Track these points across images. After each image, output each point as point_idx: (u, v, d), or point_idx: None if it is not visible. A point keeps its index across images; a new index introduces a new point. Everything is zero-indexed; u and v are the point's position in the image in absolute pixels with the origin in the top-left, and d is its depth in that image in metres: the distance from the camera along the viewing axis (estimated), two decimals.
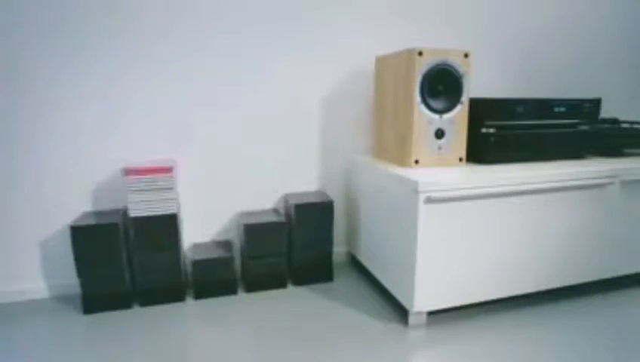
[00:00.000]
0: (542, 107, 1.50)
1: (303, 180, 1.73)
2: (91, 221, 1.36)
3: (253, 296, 1.52)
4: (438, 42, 1.81)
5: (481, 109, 1.45)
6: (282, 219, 1.53)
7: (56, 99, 1.43)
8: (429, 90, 1.36)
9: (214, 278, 1.49)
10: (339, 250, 1.84)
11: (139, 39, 1.46)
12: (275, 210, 1.67)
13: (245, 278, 1.55)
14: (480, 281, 1.32)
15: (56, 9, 1.38)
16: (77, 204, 1.50)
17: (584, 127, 1.57)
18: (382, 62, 1.54)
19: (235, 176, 1.64)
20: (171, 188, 1.39)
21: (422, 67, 1.33)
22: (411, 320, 1.32)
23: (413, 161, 1.39)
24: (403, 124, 1.41)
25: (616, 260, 1.49)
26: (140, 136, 1.52)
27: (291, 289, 1.57)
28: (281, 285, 1.58)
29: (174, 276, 1.45)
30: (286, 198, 1.65)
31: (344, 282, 1.64)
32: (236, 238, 1.68)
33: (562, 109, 1.53)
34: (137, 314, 1.39)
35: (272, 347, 1.21)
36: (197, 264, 1.46)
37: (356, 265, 1.80)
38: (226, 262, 1.49)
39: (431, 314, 1.38)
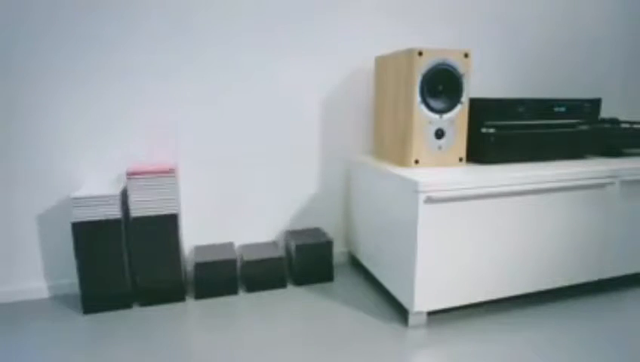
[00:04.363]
0: (542, 107, 1.50)
1: (302, 181, 1.74)
2: (93, 217, 1.36)
3: (253, 296, 1.52)
4: (438, 42, 1.81)
5: (481, 109, 1.45)
6: (280, 254, 1.56)
7: (53, 104, 1.43)
8: (429, 90, 1.36)
9: (216, 279, 1.50)
10: (339, 250, 1.84)
11: (136, 43, 1.47)
12: (274, 244, 1.69)
13: (245, 279, 1.55)
14: (480, 281, 1.32)
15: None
16: None
17: (584, 127, 1.57)
18: (382, 62, 1.54)
19: (234, 175, 1.65)
20: (172, 189, 1.39)
21: (422, 67, 1.33)
22: (411, 320, 1.32)
23: (413, 160, 1.40)
24: (403, 124, 1.41)
25: (616, 260, 1.49)
26: (140, 139, 1.53)
27: (291, 289, 1.57)
28: (281, 285, 1.58)
29: (174, 276, 1.45)
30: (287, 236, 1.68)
31: (344, 282, 1.64)
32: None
33: (562, 109, 1.53)
34: (137, 314, 1.39)
35: (272, 347, 1.21)
36: (199, 266, 1.47)
37: (356, 265, 1.80)
38: (229, 264, 1.50)
39: (431, 314, 1.38)
